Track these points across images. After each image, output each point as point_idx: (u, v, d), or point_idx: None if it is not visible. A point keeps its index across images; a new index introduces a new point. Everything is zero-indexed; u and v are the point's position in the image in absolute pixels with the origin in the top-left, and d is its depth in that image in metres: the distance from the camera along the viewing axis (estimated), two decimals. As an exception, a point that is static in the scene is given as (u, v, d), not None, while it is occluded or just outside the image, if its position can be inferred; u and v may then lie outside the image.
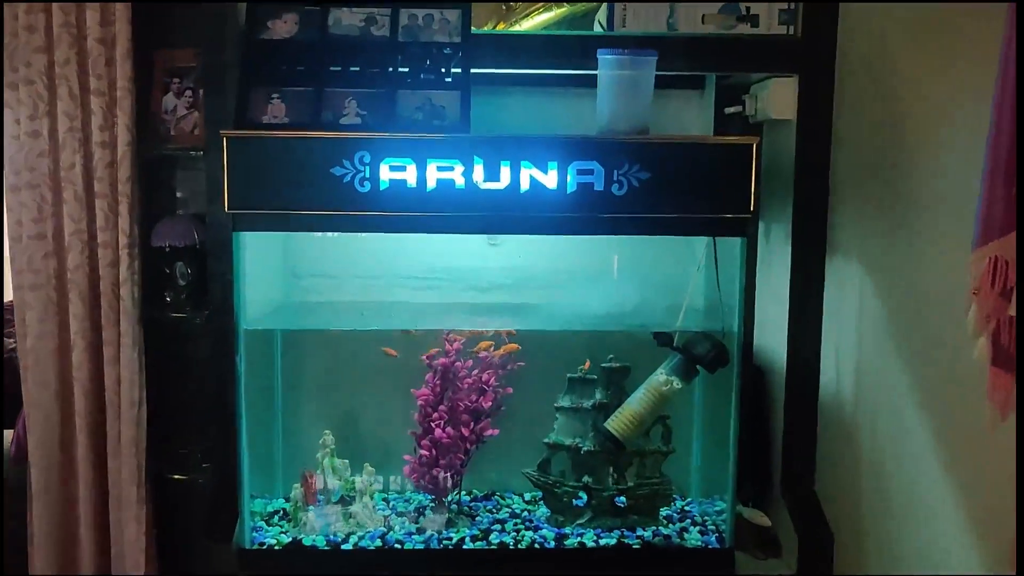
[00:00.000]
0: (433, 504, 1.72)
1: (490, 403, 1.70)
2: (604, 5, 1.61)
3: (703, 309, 1.72)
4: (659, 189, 1.50)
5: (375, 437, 1.84)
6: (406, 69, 1.54)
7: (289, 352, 1.84)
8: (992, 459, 1.15)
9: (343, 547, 1.63)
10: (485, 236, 1.79)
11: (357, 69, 1.54)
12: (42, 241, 1.72)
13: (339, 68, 1.54)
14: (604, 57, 1.53)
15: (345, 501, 1.70)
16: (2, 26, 1.64)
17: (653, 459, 1.72)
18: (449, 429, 1.69)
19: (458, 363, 1.71)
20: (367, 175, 1.47)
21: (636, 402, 1.63)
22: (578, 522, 1.68)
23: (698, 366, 1.61)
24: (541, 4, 1.70)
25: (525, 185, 1.49)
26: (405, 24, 1.57)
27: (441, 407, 1.70)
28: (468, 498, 1.80)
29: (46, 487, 1.76)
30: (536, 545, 1.63)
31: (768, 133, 1.73)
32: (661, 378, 1.62)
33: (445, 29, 1.57)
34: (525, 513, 1.76)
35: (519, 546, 1.63)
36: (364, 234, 1.59)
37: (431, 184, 1.48)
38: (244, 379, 1.60)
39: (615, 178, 1.50)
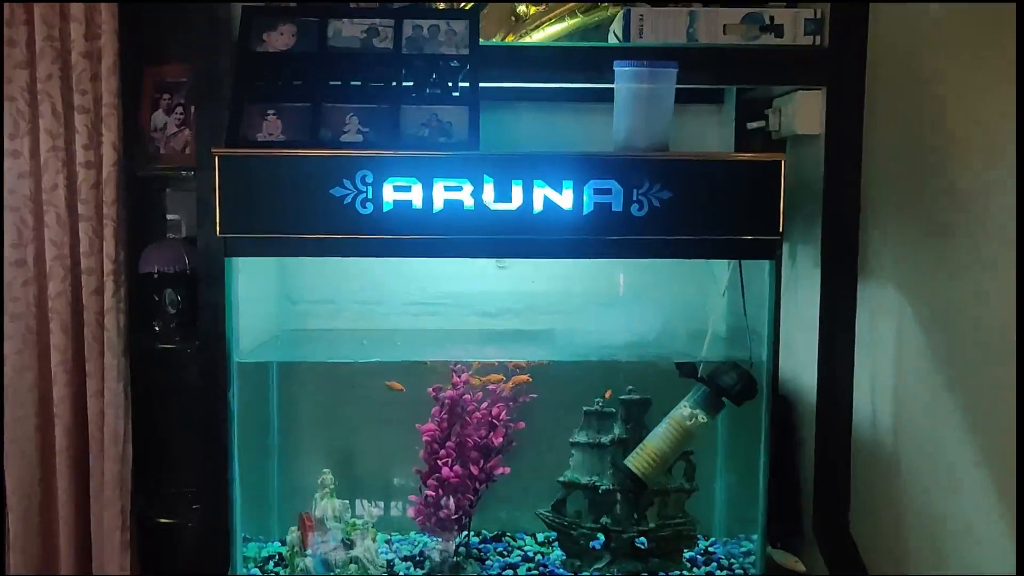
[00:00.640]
0: (440, 547, 1.60)
1: (501, 439, 1.59)
2: (620, 15, 1.53)
3: (726, 337, 1.62)
4: (681, 209, 1.41)
5: (378, 476, 1.73)
6: (410, 83, 1.45)
7: (285, 385, 1.73)
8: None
9: (343, 596, 1.51)
10: (493, 259, 1.69)
11: (358, 83, 1.45)
12: (22, 268, 1.62)
13: (339, 82, 1.45)
14: (621, 69, 1.44)
15: (346, 545, 1.58)
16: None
17: (676, 498, 1.60)
18: (457, 467, 1.58)
19: (466, 396, 1.60)
20: (369, 196, 1.38)
21: (658, 438, 1.52)
22: (596, 567, 1.57)
23: (724, 398, 1.51)
24: (553, 15, 1.61)
25: (538, 206, 1.39)
26: (409, 36, 1.49)
27: (448, 443, 1.59)
28: (477, 540, 1.68)
29: (24, 533, 1.64)
30: (551, 592, 1.52)
31: (792, 149, 1.64)
32: (685, 412, 1.51)
33: (452, 41, 1.49)
34: (539, 556, 1.65)
35: (533, 594, 1.52)
36: (365, 258, 1.49)
37: (438, 205, 1.39)
38: (237, 414, 1.49)
39: (634, 198, 1.40)
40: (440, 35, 1.49)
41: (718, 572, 1.59)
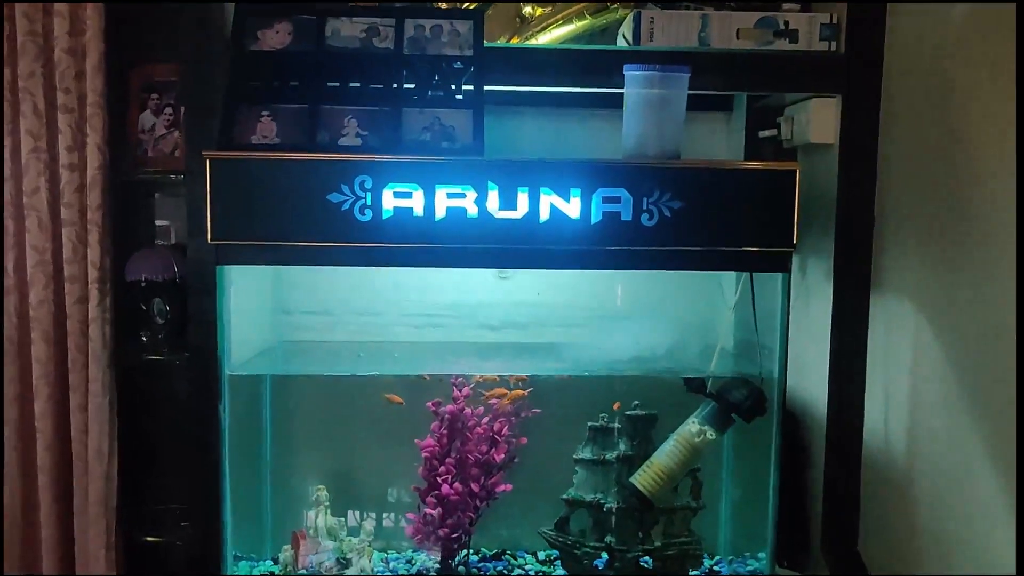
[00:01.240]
0: (438, 566, 1.54)
1: (502, 455, 1.54)
2: (630, 18, 1.48)
3: (735, 351, 1.57)
4: (693, 219, 1.36)
5: (375, 493, 1.67)
6: (412, 85, 1.39)
7: (279, 398, 1.66)
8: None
9: (338, 620, 1.45)
10: (496, 269, 1.63)
11: (357, 85, 1.39)
12: (2, 275, 1.54)
13: (337, 83, 1.39)
14: (632, 73, 1.39)
15: (341, 563, 1.52)
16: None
17: (682, 516, 1.56)
18: (457, 484, 1.52)
19: (467, 411, 1.54)
20: (368, 202, 1.32)
21: (665, 455, 1.47)
22: (600, 587, 1.52)
23: (734, 415, 1.46)
24: (560, 17, 1.56)
25: (545, 214, 1.34)
26: (411, 36, 1.43)
27: (448, 460, 1.53)
28: (476, 558, 1.62)
29: (5, 553, 1.56)
30: (554, 615, 1.47)
31: (803, 158, 1.60)
32: (693, 428, 1.46)
33: (455, 42, 1.43)
34: (540, 575, 1.60)
35: (535, 616, 1.46)
36: (364, 268, 1.43)
37: (440, 213, 1.33)
38: (228, 429, 1.43)
39: (644, 207, 1.35)
40: (443, 36, 1.43)
41: (725, 593, 1.55)
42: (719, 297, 1.65)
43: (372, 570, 1.52)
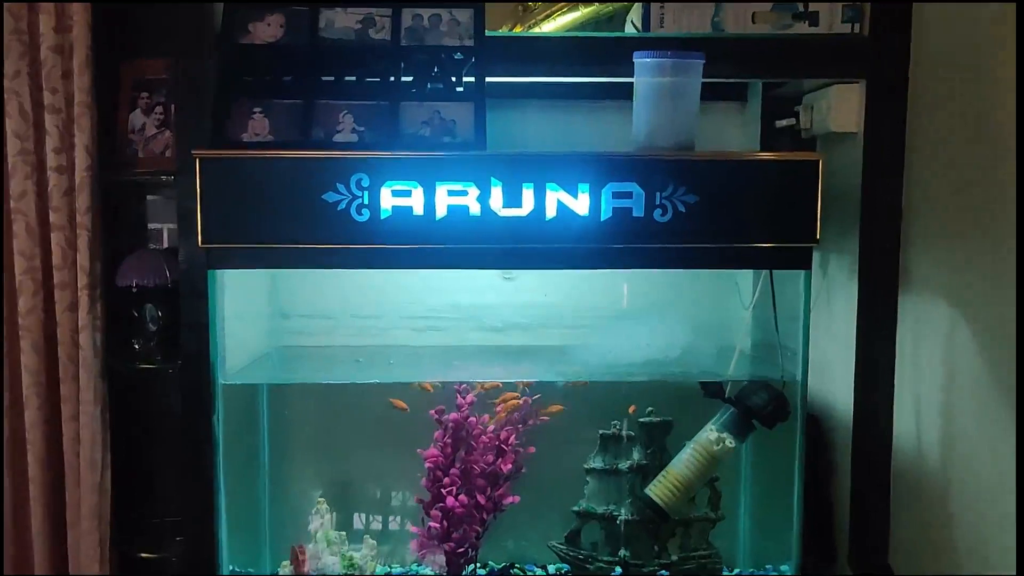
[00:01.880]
0: (444, 582, 1.47)
1: (510, 466, 1.46)
2: (638, 4, 1.40)
3: (753, 353, 1.49)
4: (709, 215, 1.28)
5: (377, 505, 1.60)
6: (410, 78, 1.33)
7: (276, 407, 1.60)
8: None
9: (339, 639, 1.38)
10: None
11: (353, 78, 1.33)
12: (-11, 281, 1.50)
13: (332, 77, 1.33)
14: (642, 61, 1.31)
15: (342, 580, 1.45)
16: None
17: (700, 527, 1.48)
18: (463, 496, 1.45)
19: (472, 418, 1.47)
20: (365, 201, 1.25)
21: (682, 464, 1.39)
22: (614, 604, 1.44)
23: (754, 421, 1.38)
24: (564, 4, 1.48)
25: (551, 211, 1.27)
26: (409, 26, 1.36)
27: (453, 470, 1.46)
28: (484, 572, 1.55)
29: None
30: (566, 633, 1.39)
31: (824, 149, 1.52)
32: (711, 436, 1.39)
33: (455, 32, 1.36)
34: (551, 591, 1.52)
35: (546, 634, 1.39)
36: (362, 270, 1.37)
37: (441, 211, 1.26)
38: (223, 440, 1.36)
39: (657, 202, 1.28)
40: (442, 25, 1.36)
41: (746, 608, 1.47)
42: (735, 296, 1.57)
43: (375, 586, 1.45)
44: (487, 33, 1.37)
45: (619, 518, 1.45)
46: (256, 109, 1.30)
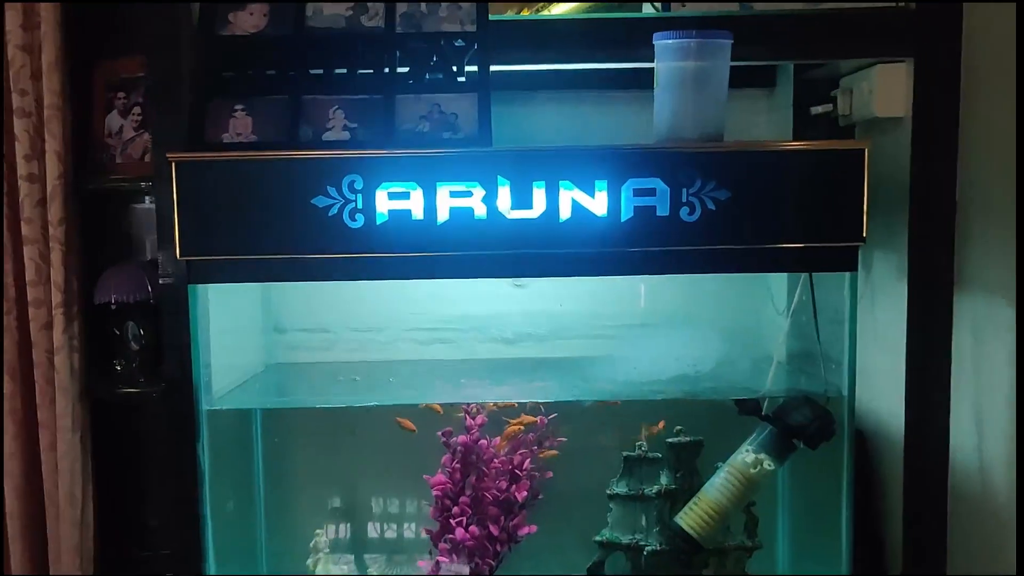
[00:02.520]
0: (455, 620, 1.35)
1: (525, 492, 1.34)
2: (657, -19, 1.27)
3: (790, 365, 1.36)
4: (742, 212, 1.15)
5: (381, 537, 1.48)
6: (407, 68, 1.21)
7: (269, 432, 1.48)
8: None
9: None
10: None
11: (344, 71, 1.21)
12: (-41, 300, 1.39)
13: (321, 70, 1.21)
14: (663, 43, 1.18)
15: (344, 619, 1.34)
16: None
17: (735, 557, 1.34)
18: (473, 528, 1.32)
19: (482, 441, 1.35)
20: (359, 205, 1.14)
21: (715, 489, 1.26)
22: (643, 643, 1.31)
23: (796, 440, 1.24)
24: (575, -17, 1.35)
25: (565, 212, 1.15)
26: (404, 12, 1.24)
27: (463, 498, 1.33)
28: (499, 607, 1.43)
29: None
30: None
31: (864, 137, 1.38)
32: (748, 458, 1.25)
33: (456, 16, 1.23)
34: (572, 628, 1.39)
35: None
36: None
37: (443, 215, 1.15)
38: (210, 470, 1.25)
39: (684, 199, 1.15)
40: (441, 10, 1.24)
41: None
42: (767, 301, 1.44)
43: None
44: (491, 17, 1.24)
45: (646, 548, 1.32)
46: (238, 107, 1.19)
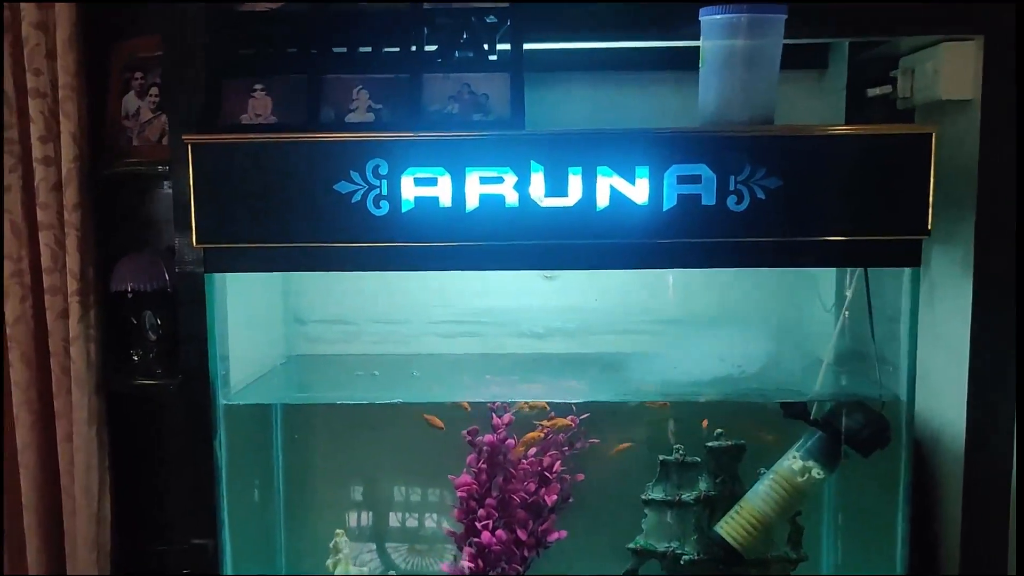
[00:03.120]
0: (480, 627, 1.29)
1: (555, 496, 1.27)
2: (704, -48, 1.18)
3: (838, 366, 1.27)
4: (795, 202, 1.07)
5: (403, 539, 1.42)
6: (435, 46, 1.14)
7: (290, 427, 1.43)
8: None
9: None
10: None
11: (368, 49, 1.14)
12: (-27, 287, 1.35)
13: (344, 48, 1.14)
14: (711, 19, 1.10)
15: (364, 623, 1.28)
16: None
17: (778, 569, 1.26)
18: (500, 531, 1.26)
19: (510, 440, 1.28)
20: (384, 192, 1.08)
21: (759, 497, 1.19)
22: (678, 657, 1.24)
23: (846, 447, 1.16)
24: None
25: (603, 200, 1.08)
26: (432, -15, 1.16)
27: (489, 500, 1.27)
28: (526, 615, 1.37)
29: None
30: None
31: (925, 121, 1.28)
32: (795, 465, 1.17)
33: (487, -10, 1.16)
34: (603, 638, 1.33)
35: None
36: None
37: (472, 202, 1.08)
38: (226, 466, 1.20)
39: (732, 188, 1.07)
40: (472, -17, 1.17)
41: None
42: (813, 296, 1.35)
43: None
44: (524, -9, 1.16)
45: (683, 558, 1.25)
46: (257, 86, 1.13)
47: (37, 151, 1.31)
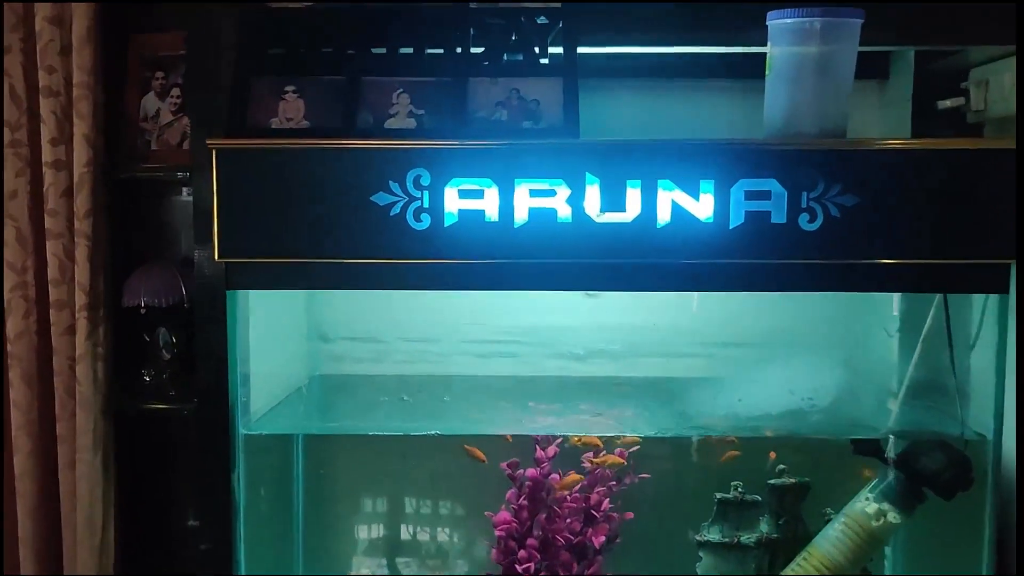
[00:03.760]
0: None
1: (602, 536, 1.17)
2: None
3: (911, 398, 1.18)
4: (871, 222, 0.99)
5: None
6: (481, 48, 1.06)
7: (314, 458, 1.33)
8: None
9: None
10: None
11: (410, 50, 1.06)
12: (-26, 300, 1.25)
13: (384, 49, 1.06)
14: (780, 23, 1.02)
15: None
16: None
17: (843, 619, 1.16)
18: (543, 574, 1.16)
19: (554, 475, 1.18)
20: (425, 204, 1.00)
21: (829, 542, 1.09)
22: None
23: (925, 489, 1.06)
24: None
25: (664, 216, 1.00)
26: (480, -17, 1.09)
27: (530, 540, 1.17)
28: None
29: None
30: None
31: (997, 135, 1.20)
32: (869, 508, 1.08)
33: (538, -11, 1.08)
34: None
35: None
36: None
37: (521, 217, 1.00)
38: (244, 502, 1.10)
39: (804, 205, 0.99)
40: (522, -19, 1.09)
41: None
42: (878, 322, 1.26)
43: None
44: (579, -9, 1.09)
45: (741, 605, 1.15)
46: (288, 88, 1.04)
47: (47, 154, 1.22)
